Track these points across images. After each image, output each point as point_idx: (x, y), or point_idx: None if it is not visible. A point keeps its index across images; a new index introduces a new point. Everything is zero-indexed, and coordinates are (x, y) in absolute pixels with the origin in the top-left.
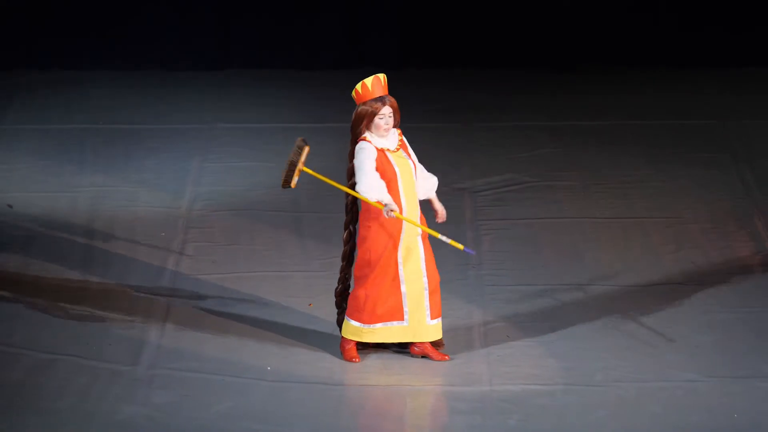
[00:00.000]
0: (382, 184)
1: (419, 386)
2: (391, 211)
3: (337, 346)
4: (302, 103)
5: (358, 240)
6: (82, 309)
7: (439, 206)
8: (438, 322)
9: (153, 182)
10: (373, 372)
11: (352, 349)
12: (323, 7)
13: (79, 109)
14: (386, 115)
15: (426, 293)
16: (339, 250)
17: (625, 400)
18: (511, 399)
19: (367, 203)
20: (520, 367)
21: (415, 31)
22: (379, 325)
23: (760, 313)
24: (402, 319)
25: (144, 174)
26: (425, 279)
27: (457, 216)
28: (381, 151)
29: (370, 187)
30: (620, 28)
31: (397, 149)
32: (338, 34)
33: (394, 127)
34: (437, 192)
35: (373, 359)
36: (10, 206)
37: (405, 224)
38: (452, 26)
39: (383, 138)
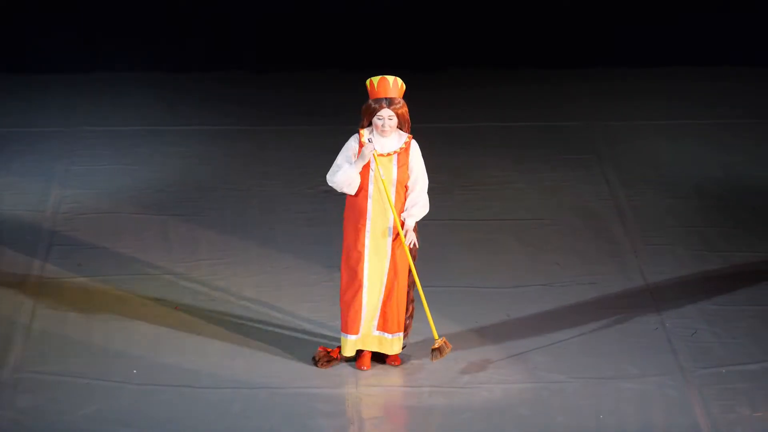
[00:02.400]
0: (343, 167)
1: (285, 388)
2: (367, 144)
3: (202, 349)
4: (170, 106)
5: None
6: None
7: (406, 231)
8: (389, 337)
9: (17, 185)
10: (241, 373)
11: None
12: (192, 11)
13: None
14: (384, 117)
15: (380, 302)
16: (204, 251)
17: (491, 401)
18: (377, 401)
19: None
20: (386, 370)
21: (284, 32)
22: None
23: (624, 314)
24: (357, 332)
25: (8, 177)
26: (383, 288)
27: (324, 219)
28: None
29: (330, 174)
30: (486, 28)
31: (389, 154)
32: (206, 36)
33: (405, 131)
34: (421, 223)
35: (238, 360)
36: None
37: (370, 226)
38: (321, 27)
39: (381, 138)
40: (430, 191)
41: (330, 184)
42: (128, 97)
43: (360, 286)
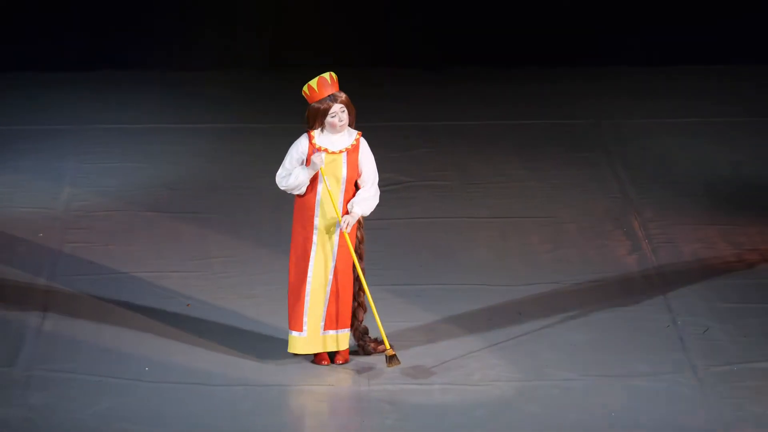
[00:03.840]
0: (294, 171)
1: (297, 386)
2: (318, 153)
3: (214, 347)
4: (177, 104)
5: None
6: None
7: (348, 215)
8: (336, 333)
9: (28, 183)
10: (252, 371)
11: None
12: (198, 5)
13: None
14: (338, 112)
15: (326, 302)
16: (215, 249)
17: (502, 399)
18: (389, 398)
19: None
20: (397, 367)
21: (290, 31)
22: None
23: (635, 312)
24: (301, 329)
25: (19, 175)
26: (329, 287)
27: None
28: (318, 149)
29: (278, 177)
30: (495, 26)
31: (340, 152)
32: (215, 33)
33: (350, 125)
34: (368, 218)
35: (249, 358)
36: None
37: (317, 224)
38: (323, 24)
39: (335, 136)
40: (446, 189)
41: (279, 186)
42: (138, 95)
43: (304, 284)
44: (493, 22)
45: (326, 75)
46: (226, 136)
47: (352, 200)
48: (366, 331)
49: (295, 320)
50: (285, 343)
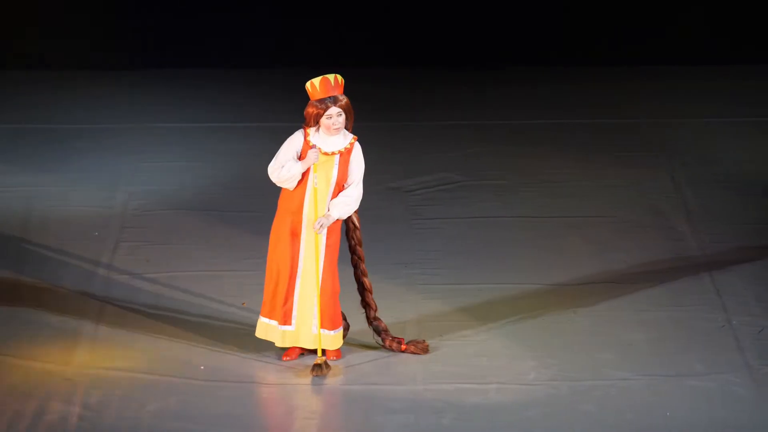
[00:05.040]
0: (287, 164)
1: (353, 385)
2: (313, 150)
3: (269, 345)
4: (234, 103)
5: None
6: (14, 308)
7: (323, 218)
8: (331, 333)
9: (85, 182)
10: (306, 371)
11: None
12: (255, 4)
13: (10, 109)
14: (333, 115)
15: (317, 300)
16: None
17: (558, 398)
18: (445, 398)
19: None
20: (453, 367)
21: (347, 29)
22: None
23: (691, 311)
24: (290, 323)
25: (76, 174)
26: (319, 285)
27: (389, 215)
28: (313, 146)
29: (271, 169)
30: (548, 27)
31: (333, 153)
32: (271, 31)
33: (349, 129)
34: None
35: (306, 357)
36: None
37: (306, 222)
38: (381, 24)
39: (329, 137)
40: (500, 188)
41: (270, 177)
42: (195, 94)
43: (294, 279)
44: (546, 22)
45: (331, 76)
46: (283, 135)
47: (331, 202)
48: (384, 329)
49: (284, 314)
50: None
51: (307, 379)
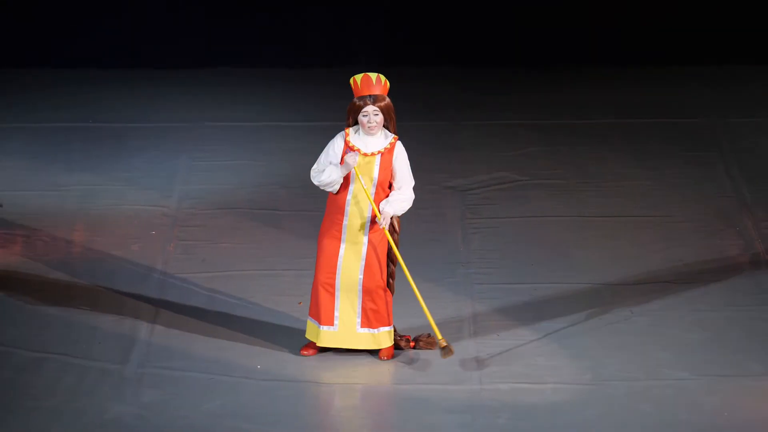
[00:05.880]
0: (327, 168)
1: (409, 385)
2: (351, 154)
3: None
4: (290, 101)
5: None
6: (70, 308)
7: (382, 217)
8: (375, 332)
9: (141, 181)
10: (363, 370)
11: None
12: (312, 3)
13: (66, 108)
14: (369, 113)
15: (359, 299)
16: None
17: (614, 398)
18: (501, 398)
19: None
20: (509, 366)
21: (403, 29)
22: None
23: (749, 311)
24: (332, 324)
25: (132, 173)
26: (360, 285)
27: (446, 214)
28: (351, 148)
29: (315, 171)
30: (607, 26)
31: (373, 154)
32: (327, 30)
33: (390, 130)
34: (403, 217)
35: (363, 357)
36: (0, 205)
37: (347, 223)
38: (436, 23)
39: (368, 136)
40: (559, 187)
41: (312, 181)
42: (249, 92)
43: (334, 279)
44: (605, 21)
45: (373, 75)
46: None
47: (385, 200)
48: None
49: (325, 315)
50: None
51: (362, 379)
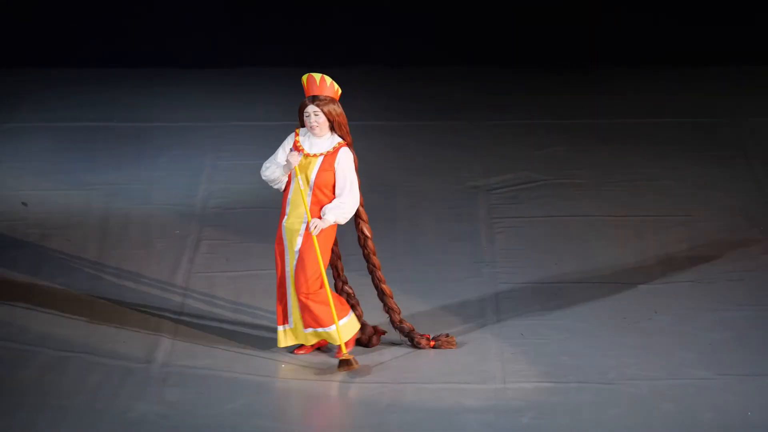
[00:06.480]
0: (272, 165)
1: (433, 383)
2: (293, 153)
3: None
4: None
5: None
6: (95, 307)
7: (318, 220)
8: (320, 331)
9: (166, 180)
10: (387, 369)
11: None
12: (333, 3)
13: (91, 107)
14: (311, 113)
15: (293, 300)
16: (352, 249)
17: (637, 398)
18: (525, 397)
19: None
20: (533, 365)
21: (422, 29)
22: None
23: None
24: (288, 322)
25: (156, 172)
26: (291, 286)
27: (471, 214)
28: (297, 148)
29: (263, 167)
30: (631, 27)
31: (315, 155)
32: (347, 30)
33: (340, 134)
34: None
35: (386, 356)
36: (25, 204)
37: (285, 223)
38: (460, 23)
39: (315, 138)
40: (581, 187)
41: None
42: (273, 91)
43: (284, 279)
44: (629, 21)
45: (317, 75)
46: (360, 134)
47: (326, 206)
48: (411, 329)
49: (282, 314)
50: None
51: (386, 378)
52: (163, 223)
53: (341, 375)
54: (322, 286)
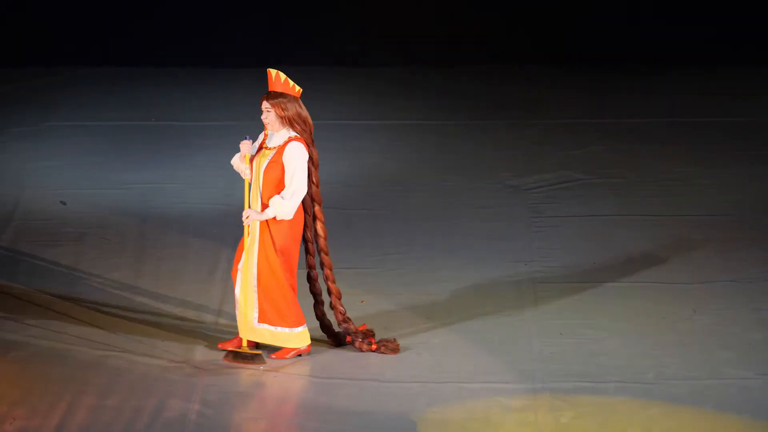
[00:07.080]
0: (233, 159)
1: (471, 383)
2: (245, 142)
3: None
4: (354, 100)
5: None
6: (134, 305)
7: (251, 210)
8: (273, 330)
9: (202, 179)
10: (424, 369)
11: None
12: (376, 3)
13: (128, 106)
14: (263, 109)
15: (255, 294)
16: (391, 246)
17: (677, 397)
18: (564, 396)
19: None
20: (572, 365)
21: (462, 28)
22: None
23: None
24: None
25: (193, 171)
26: (254, 279)
27: (509, 213)
28: (262, 144)
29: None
30: (670, 25)
31: (270, 149)
32: (389, 30)
33: (296, 129)
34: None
35: (424, 355)
36: (64, 203)
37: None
38: (500, 23)
39: (274, 133)
40: (620, 186)
41: None
42: (313, 91)
43: (236, 269)
44: (669, 20)
45: (273, 71)
46: (402, 133)
47: (270, 199)
48: (354, 331)
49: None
50: (462, 337)
51: (424, 377)
52: (202, 223)
53: (374, 374)
54: (293, 287)
